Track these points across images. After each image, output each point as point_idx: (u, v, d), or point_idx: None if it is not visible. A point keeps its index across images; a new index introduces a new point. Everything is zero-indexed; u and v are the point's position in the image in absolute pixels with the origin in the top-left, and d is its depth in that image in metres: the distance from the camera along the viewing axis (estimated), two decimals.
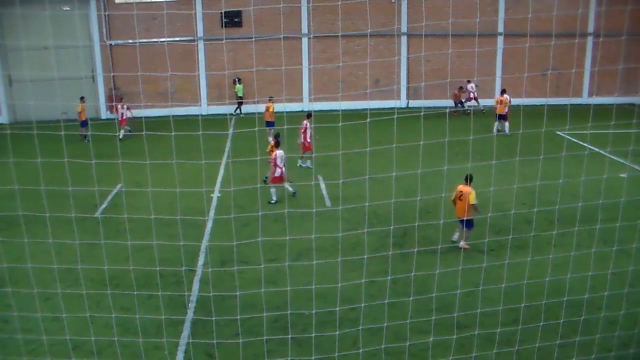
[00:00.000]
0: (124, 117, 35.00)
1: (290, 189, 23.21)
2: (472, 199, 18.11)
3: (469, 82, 39.07)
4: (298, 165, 27.63)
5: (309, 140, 26.99)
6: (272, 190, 22.95)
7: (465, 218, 18.21)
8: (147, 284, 15.69)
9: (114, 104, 36.89)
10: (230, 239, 17.02)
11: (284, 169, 22.54)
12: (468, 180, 18.39)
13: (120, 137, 31.94)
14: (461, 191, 18.36)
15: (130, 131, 34.14)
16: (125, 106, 35.44)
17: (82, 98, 34.93)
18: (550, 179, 19.45)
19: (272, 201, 22.83)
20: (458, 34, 39.18)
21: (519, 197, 21.02)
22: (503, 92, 35.32)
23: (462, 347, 12.86)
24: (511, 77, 38.81)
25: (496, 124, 33.07)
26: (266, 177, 23.92)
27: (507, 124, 32.99)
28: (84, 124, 34.24)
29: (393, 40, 41.69)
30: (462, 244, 18.52)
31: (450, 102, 37.50)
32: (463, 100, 39.59)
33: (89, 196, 22.08)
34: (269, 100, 33.36)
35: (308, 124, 26.90)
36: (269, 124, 32.27)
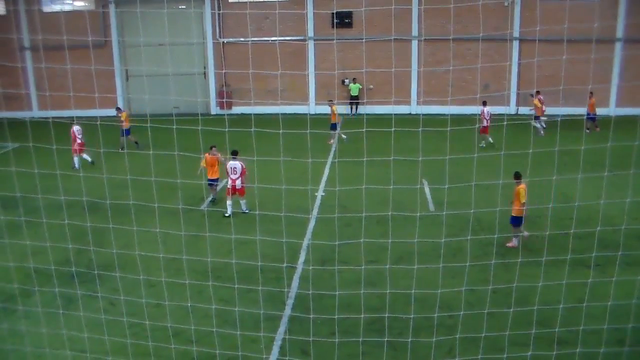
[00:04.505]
0: (81, 141, 29.37)
1: None
2: None
3: (538, 92, 37.72)
4: (482, 145, 30.68)
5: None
6: None
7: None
8: (247, 278, 15.93)
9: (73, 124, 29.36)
10: (332, 238, 17.11)
11: None
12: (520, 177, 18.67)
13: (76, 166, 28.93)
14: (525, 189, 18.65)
15: (93, 162, 29.36)
16: (81, 129, 29.54)
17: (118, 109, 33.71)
18: None
19: None
20: (573, 40, 37.74)
21: (630, 212, 20.21)
22: (537, 93, 35.83)
23: None
24: (629, 85, 37.44)
25: (538, 125, 34.20)
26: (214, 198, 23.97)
27: (536, 124, 34.50)
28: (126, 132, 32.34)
29: (505, 44, 40.86)
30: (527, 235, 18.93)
31: (557, 110, 36.02)
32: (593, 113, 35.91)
33: (196, 189, 22.68)
34: (331, 102, 34.17)
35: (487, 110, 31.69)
36: (333, 126, 33.31)
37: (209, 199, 23.31)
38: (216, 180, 23.41)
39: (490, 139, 31.14)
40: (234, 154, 21.98)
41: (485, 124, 31.55)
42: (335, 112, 33.67)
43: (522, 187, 18.44)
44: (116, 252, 15.40)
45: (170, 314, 13.83)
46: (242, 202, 22.62)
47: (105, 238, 17.46)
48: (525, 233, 18.98)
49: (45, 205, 17.82)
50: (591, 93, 35.75)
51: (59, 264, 15.92)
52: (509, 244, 18.93)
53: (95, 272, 14.83)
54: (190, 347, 12.94)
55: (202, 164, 22.71)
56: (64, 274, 16.33)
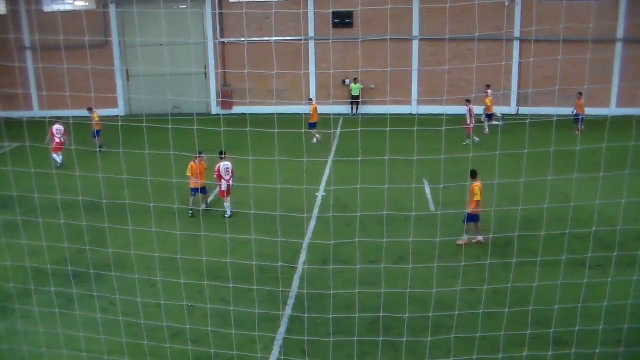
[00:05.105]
0: (59, 140, 29.60)
1: None
2: None
3: (488, 86, 38.36)
4: (475, 141, 30.77)
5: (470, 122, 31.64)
6: None
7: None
8: (248, 278, 15.89)
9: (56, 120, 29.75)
10: (332, 238, 17.08)
11: None
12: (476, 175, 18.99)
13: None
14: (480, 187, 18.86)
15: (61, 164, 29.17)
16: (61, 129, 29.79)
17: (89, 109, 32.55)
18: None
19: None
20: (574, 40, 37.52)
21: (630, 212, 20.16)
22: (487, 87, 37.43)
23: None
24: (630, 86, 37.37)
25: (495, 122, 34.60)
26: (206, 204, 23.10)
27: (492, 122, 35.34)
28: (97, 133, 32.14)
29: (506, 44, 40.79)
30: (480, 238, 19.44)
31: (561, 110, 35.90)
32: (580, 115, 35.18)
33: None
34: (310, 101, 34.48)
35: (472, 108, 32.18)
36: (311, 125, 33.36)
37: (204, 205, 22.99)
38: (205, 187, 22.75)
39: (468, 140, 31.40)
40: (222, 154, 21.74)
41: (472, 122, 31.93)
42: (314, 112, 33.82)
43: (477, 185, 18.64)
44: (115, 252, 15.37)
45: (170, 314, 13.81)
46: (227, 204, 22.45)
47: (103, 238, 17.42)
48: (480, 237, 19.40)
49: (43, 205, 17.80)
50: (580, 93, 35.16)
51: (57, 264, 15.88)
52: (459, 242, 19.15)
53: (92, 271, 14.77)
54: (189, 346, 12.91)
55: (188, 172, 21.91)
56: (62, 273, 16.26)
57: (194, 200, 22.45)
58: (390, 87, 40.58)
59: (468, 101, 32.70)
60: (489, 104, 35.65)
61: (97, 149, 30.46)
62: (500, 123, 34.26)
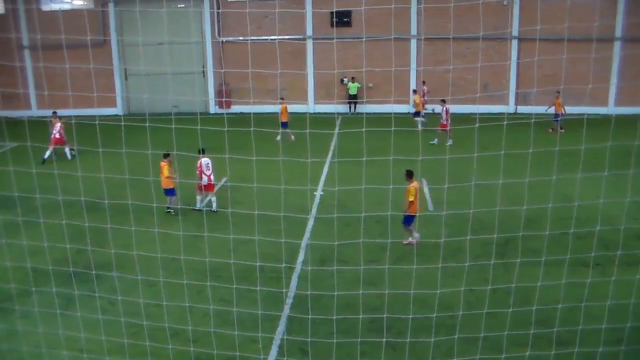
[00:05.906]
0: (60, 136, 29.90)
1: None
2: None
3: (424, 83, 39.55)
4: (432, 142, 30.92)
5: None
6: None
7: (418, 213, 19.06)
8: (248, 278, 15.87)
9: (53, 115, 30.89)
10: (331, 238, 17.08)
11: None
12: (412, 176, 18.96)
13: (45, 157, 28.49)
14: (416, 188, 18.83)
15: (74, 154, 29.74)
16: (58, 124, 30.09)
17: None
18: None
19: None
20: (572, 39, 37.45)
21: (630, 212, 20.15)
22: (422, 85, 38.79)
23: None
24: (628, 85, 37.37)
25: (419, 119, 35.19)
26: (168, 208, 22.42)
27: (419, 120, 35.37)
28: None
29: (505, 44, 40.77)
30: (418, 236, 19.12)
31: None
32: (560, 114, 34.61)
33: (195, 188, 22.60)
34: (282, 101, 34.44)
35: (448, 108, 32.34)
36: (283, 124, 33.21)
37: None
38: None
39: (437, 140, 31.36)
40: (202, 151, 21.75)
41: (444, 121, 32.25)
42: (285, 111, 33.75)
43: (413, 186, 18.66)
44: (116, 252, 15.33)
45: (170, 314, 13.77)
46: (213, 199, 22.57)
47: (104, 238, 17.39)
48: (416, 235, 19.18)
49: (44, 205, 17.75)
50: (558, 92, 34.72)
51: (58, 264, 15.85)
52: (405, 242, 19.12)
53: (94, 271, 14.74)
54: (189, 347, 12.89)
55: (168, 172, 21.42)
56: (63, 273, 16.25)
57: (175, 200, 22.27)
58: (389, 87, 40.59)
59: (443, 101, 32.92)
60: (417, 101, 36.37)
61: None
62: (424, 120, 35.36)
